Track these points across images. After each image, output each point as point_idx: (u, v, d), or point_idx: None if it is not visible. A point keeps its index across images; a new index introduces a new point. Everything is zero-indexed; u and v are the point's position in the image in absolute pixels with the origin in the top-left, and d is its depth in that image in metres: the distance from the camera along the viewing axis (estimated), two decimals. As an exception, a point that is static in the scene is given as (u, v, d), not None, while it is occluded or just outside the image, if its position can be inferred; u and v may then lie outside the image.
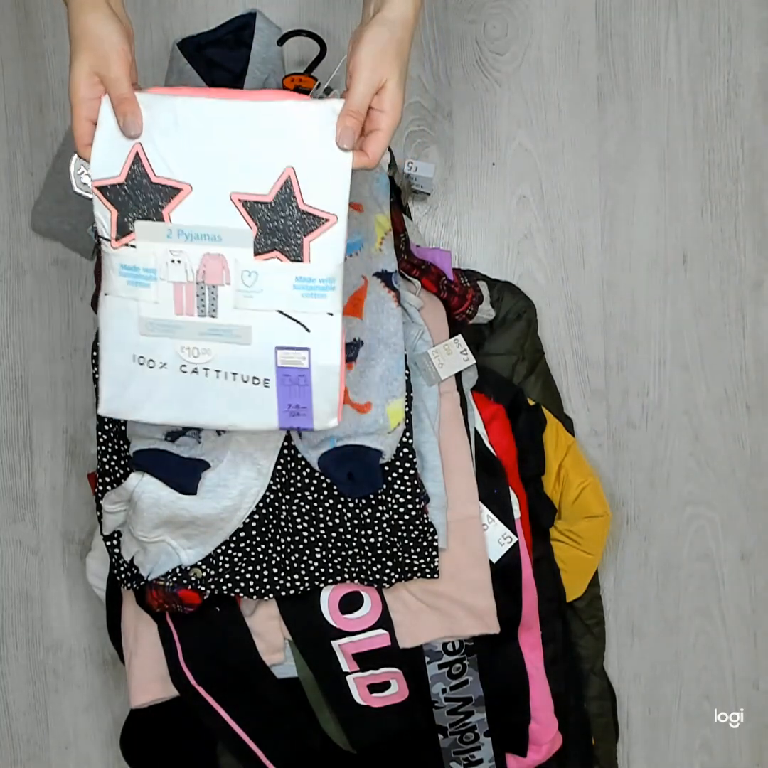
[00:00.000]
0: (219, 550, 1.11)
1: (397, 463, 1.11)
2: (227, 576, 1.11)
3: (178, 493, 1.08)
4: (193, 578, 1.10)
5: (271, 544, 1.12)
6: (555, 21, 1.35)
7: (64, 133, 1.33)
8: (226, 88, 1.25)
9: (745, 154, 1.36)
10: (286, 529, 1.12)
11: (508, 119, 1.36)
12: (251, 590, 1.12)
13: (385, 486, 1.10)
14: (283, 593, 1.12)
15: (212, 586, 1.11)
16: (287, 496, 1.11)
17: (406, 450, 1.11)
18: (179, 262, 0.89)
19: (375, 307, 1.12)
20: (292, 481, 1.11)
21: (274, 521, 1.11)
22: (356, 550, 1.12)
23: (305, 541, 1.12)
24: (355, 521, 1.11)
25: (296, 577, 1.12)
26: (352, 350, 1.10)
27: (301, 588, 1.12)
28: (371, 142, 0.90)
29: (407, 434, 1.11)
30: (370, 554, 1.12)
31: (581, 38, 1.35)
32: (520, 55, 1.35)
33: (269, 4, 1.31)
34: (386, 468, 1.10)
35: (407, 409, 1.12)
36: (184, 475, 1.08)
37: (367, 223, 1.14)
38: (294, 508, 1.11)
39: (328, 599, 1.15)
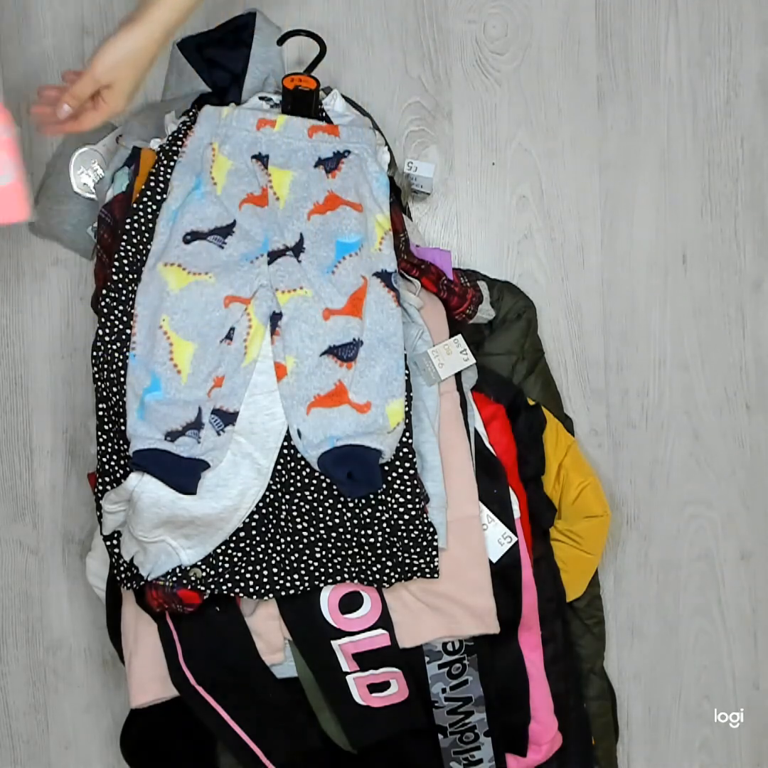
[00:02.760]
0: (219, 550, 1.11)
1: (397, 463, 1.11)
2: (227, 576, 1.11)
3: (179, 493, 1.08)
4: (192, 578, 1.10)
5: (271, 544, 1.11)
6: (555, 21, 1.35)
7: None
8: (225, 87, 1.26)
9: (745, 154, 1.36)
10: (285, 529, 1.12)
11: (508, 119, 1.36)
12: (251, 590, 1.11)
13: (385, 486, 1.10)
14: (283, 593, 1.12)
15: (212, 586, 1.11)
16: (287, 496, 1.11)
17: (406, 450, 1.11)
18: None
19: (375, 306, 1.12)
20: (291, 480, 1.11)
21: (274, 521, 1.11)
22: (356, 550, 1.12)
23: (305, 540, 1.12)
24: (355, 521, 1.11)
25: (296, 577, 1.12)
26: (351, 350, 1.10)
27: (301, 588, 1.12)
28: (89, 115, 1.05)
29: (407, 434, 1.11)
30: (369, 554, 1.12)
31: (581, 38, 1.35)
32: (520, 55, 1.35)
33: (269, 4, 1.31)
34: (386, 468, 1.10)
35: (407, 409, 1.11)
36: (184, 474, 1.08)
37: (367, 223, 1.14)
38: (294, 507, 1.11)
39: (328, 599, 1.15)
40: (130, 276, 1.13)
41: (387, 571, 1.12)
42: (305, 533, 1.12)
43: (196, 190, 1.14)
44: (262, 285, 1.12)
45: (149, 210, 1.15)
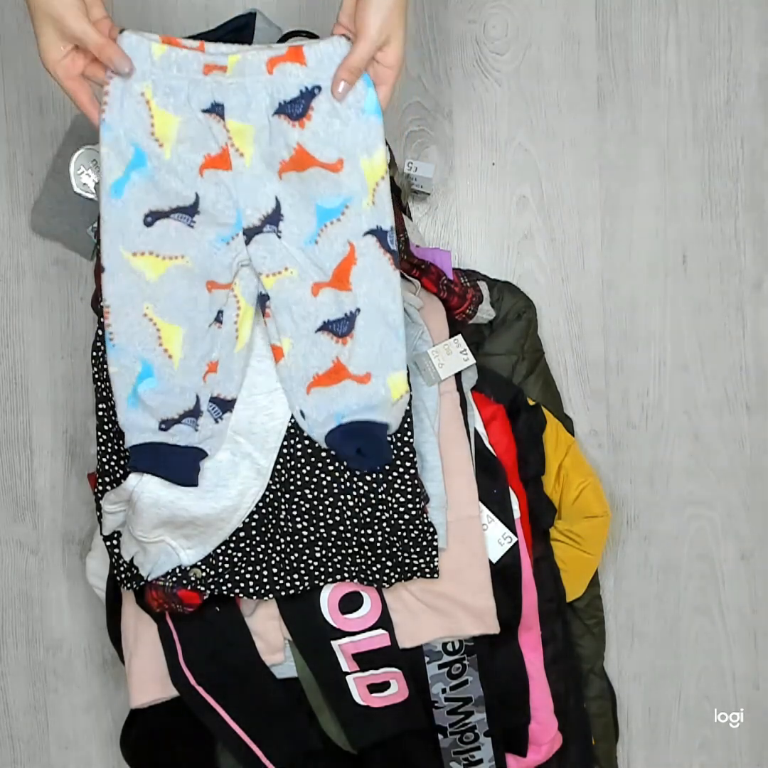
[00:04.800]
0: (219, 550, 1.11)
1: (397, 463, 1.11)
2: (227, 576, 1.11)
3: (180, 485, 1.07)
4: (192, 578, 1.10)
5: (271, 544, 1.11)
6: (555, 21, 1.35)
7: (64, 133, 1.33)
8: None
9: (745, 154, 1.36)
10: (285, 529, 1.12)
11: (508, 119, 1.36)
12: (251, 591, 1.11)
13: (385, 486, 1.10)
14: (283, 593, 1.12)
15: (212, 587, 1.11)
16: (287, 495, 1.11)
17: (406, 449, 1.11)
18: None
19: (371, 271, 1.03)
20: (291, 479, 1.11)
21: (274, 521, 1.11)
22: (356, 550, 1.12)
23: (305, 540, 1.12)
24: (355, 520, 1.11)
25: (296, 576, 1.12)
26: (345, 325, 1.05)
27: (301, 587, 1.12)
28: (377, 96, 0.97)
29: (408, 434, 1.11)
30: (369, 554, 1.12)
31: (581, 38, 1.35)
32: (520, 55, 1.35)
33: (269, 4, 1.31)
34: (387, 467, 1.10)
35: (410, 383, 1.09)
36: (182, 467, 1.07)
37: (352, 178, 1.00)
38: (293, 506, 1.11)
39: (328, 599, 1.15)
40: (130, 276, 1.13)
41: (387, 571, 1.12)
42: (305, 532, 1.12)
43: (138, 159, 0.98)
44: (243, 264, 1.04)
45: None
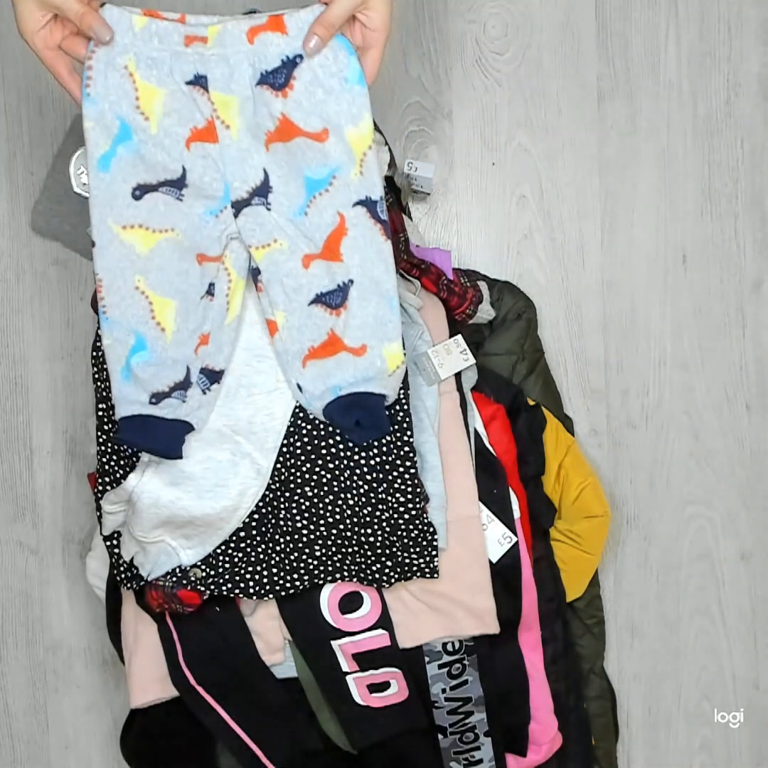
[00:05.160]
0: (219, 550, 1.11)
1: (398, 463, 1.11)
2: (227, 576, 1.11)
3: (165, 458, 1.07)
4: (192, 578, 1.10)
5: (271, 544, 1.11)
6: (555, 21, 1.35)
7: (64, 133, 1.33)
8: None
9: (745, 154, 1.36)
10: (285, 528, 1.12)
11: (508, 119, 1.36)
12: (251, 591, 1.11)
13: (385, 485, 1.10)
14: (283, 593, 1.12)
15: (212, 587, 1.11)
16: (286, 493, 1.11)
17: (406, 449, 1.11)
18: None
19: (362, 241, 1.02)
20: (291, 477, 1.11)
21: (274, 520, 1.11)
22: (356, 549, 1.12)
23: (305, 538, 1.12)
24: (355, 520, 1.11)
25: (295, 576, 1.12)
26: (338, 296, 1.04)
27: (301, 587, 1.12)
28: (367, 61, 0.95)
29: (408, 434, 1.11)
30: (369, 553, 1.12)
31: (581, 38, 1.35)
32: (520, 55, 1.35)
33: (269, 4, 1.31)
34: (386, 467, 1.10)
35: (405, 353, 1.08)
36: (169, 440, 1.07)
37: (338, 147, 0.99)
38: (293, 505, 1.11)
39: (328, 599, 1.15)
40: (130, 276, 1.13)
41: (387, 570, 1.12)
42: (305, 531, 1.12)
43: (124, 133, 0.98)
44: (233, 238, 1.03)
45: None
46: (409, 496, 1.10)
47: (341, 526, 1.11)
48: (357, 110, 0.97)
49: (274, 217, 1.02)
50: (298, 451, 1.11)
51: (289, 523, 1.12)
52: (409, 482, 1.10)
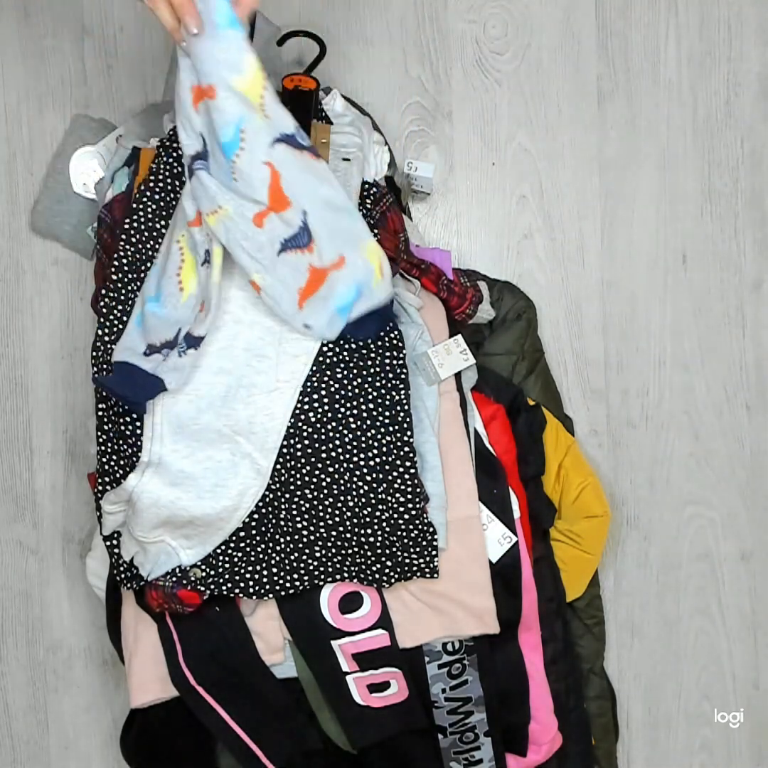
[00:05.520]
0: (219, 550, 1.11)
1: (398, 463, 1.11)
2: (227, 576, 1.11)
3: (132, 408, 1.09)
4: (192, 578, 1.10)
5: (271, 544, 1.11)
6: (555, 21, 1.35)
7: (64, 133, 1.33)
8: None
9: (745, 154, 1.36)
10: (285, 528, 1.12)
11: (508, 119, 1.36)
12: (251, 591, 1.11)
13: (385, 485, 1.10)
14: (283, 593, 1.12)
15: (212, 587, 1.11)
16: (287, 495, 1.11)
17: (406, 449, 1.11)
18: None
19: (298, 174, 1.03)
20: (291, 479, 1.11)
21: (274, 521, 1.11)
22: (356, 550, 1.12)
23: (305, 539, 1.12)
24: (355, 520, 1.11)
25: (295, 576, 1.12)
26: (303, 236, 1.05)
27: (301, 587, 1.12)
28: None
29: (408, 434, 1.11)
30: (369, 553, 1.12)
31: (581, 38, 1.35)
32: (520, 55, 1.35)
33: (269, 4, 1.31)
34: (386, 467, 1.10)
35: (379, 241, 1.09)
36: (144, 392, 1.08)
37: (229, 103, 0.97)
38: (293, 506, 1.11)
39: (328, 599, 1.15)
40: (130, 276, 1.13)
41: (387, 570, 1.12)
42: (305, 532, 1.12)
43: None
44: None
45: (149, 210, 1.15)
46: (409, 496, 1.10)
47: (341, 528, 1.11)
48: (235, 56, 0.94)
49: (215, 183, 1.03)
50: (299, 453, 1.11)
51: (290, 523, 1.12)
52: (409, 482, 1.10)
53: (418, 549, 1.12)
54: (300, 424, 1.11)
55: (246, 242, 1.05)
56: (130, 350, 1.08)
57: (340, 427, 1.11)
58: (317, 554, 1.12)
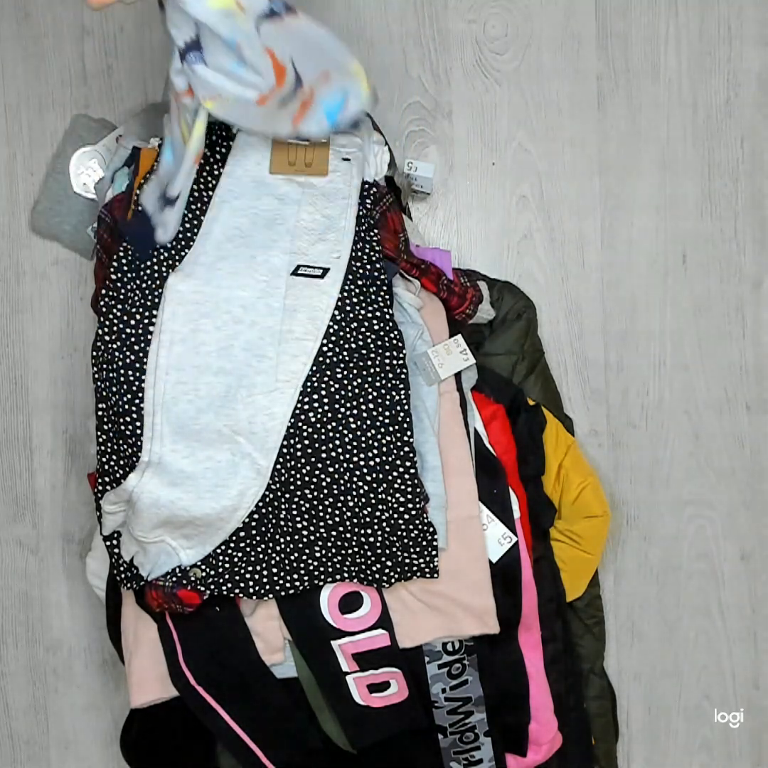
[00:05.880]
0: (219, 550, 1.11)
1: (398, 463, 1.11)
2: (227, 576, 1.11)
3: (138, 252, 1.12)
4: (192, 578, 1.10)
5: (271, 544, 1.11)
6: (555, 21, 1.35)
7: (64, 133, 1.33)
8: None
9: (745, 154, 1.36)
10: (285, 528, 1.12)
11: (508, 119, 1.36)
12: (251, 591, 1.11)
13: (385, 485, 1.10)
14: (283, 593, 1.12)
15: (212, 587, 1.11)
16: (287, 495, 1.11)
17: (406, 449, 1.11)
18: None
19: (287, 45, 1.03)
20: (291, 479, 1.11)
21: (274, 521, 1.11)
22: (356, 550, 1.12)
23: (305, 539, 1.12)
24: (355, 520, 1.11)
25: (295, 576, 1.12)
26: (298, 85, 1.06)
27: (301, 587, 1.12)
28: None
29: (408, 434, 1.11)
30: (369, 553, 1.12)
31: (581, 38, 1.35)
32: (520, 55, 1.35)
33: None
34: (386, 467, 1.10)
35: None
36: (146, 241, 1.13)
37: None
38: (293, 506, 1.11)
39: (328, 599, 1.15)
40: (130, 275, 1.13)
41: (387, 570, 1.12)
42: (305, 532, 1.12)
43: None
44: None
45: (149, 209, 1.15)
46: (409, 497, 1.10)
47: (341, 528, 1.11)
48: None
49: (212, 73, 1.02)
50: (299, 453, 1.11)
51: (289, 523, 1.12)
52: (409, 482, 1.10)
53: (418, 549, 1.12)
54: (300, 424, 1.11)
55: (246, 120, 1.06)
56: (152, 199, 1.12)
57: (340, 427, 1.12)
58: (317, 554, 1.12)
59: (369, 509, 1.11)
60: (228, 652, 1.15)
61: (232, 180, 1.15)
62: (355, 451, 1.11)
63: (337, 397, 1.12)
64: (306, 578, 1.12)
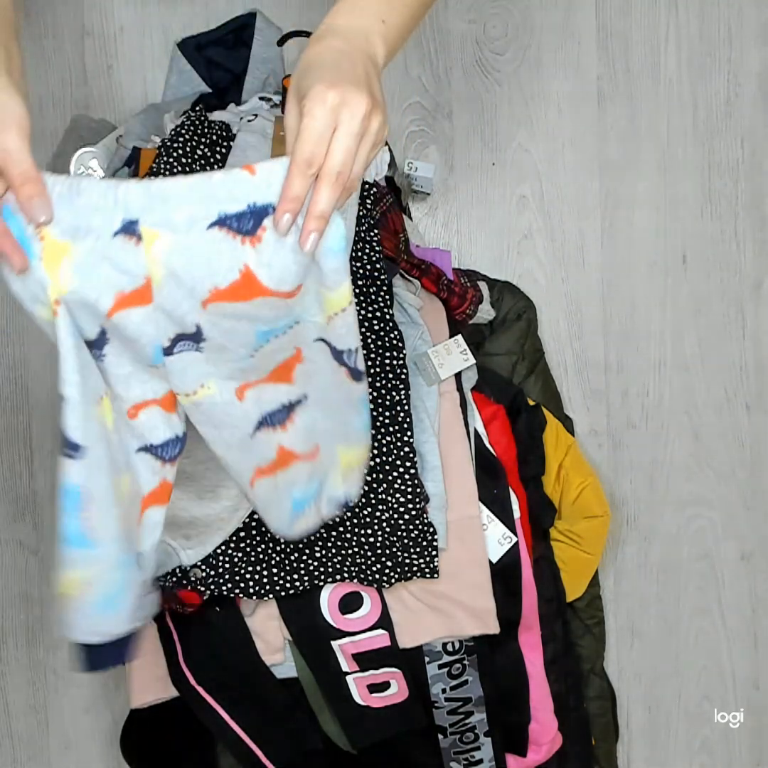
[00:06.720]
0: (219, 550, 1.11)
1: (398, 463, 1.11)
2: (227, 576, 1.11)
3: None
4: (192, 578, 1.10)
5: (271, 544, 1.11)
6: (555, 21, 1.35)
7: (64, 132, 1.33)
8: (225, 87, 1.26)
9: (745, 154, 1.36)
10: (286, 529, 1.12)
11: (508, 119, 1.36)
12: (251, 591, 1.11)
13: (385, 485, 1.10)
14: (283, 593, 1.12)
15: (212, 587, 1.11)
16: (287, 496, 1.11)
17: (406, 449, 1.11)
18: None
19: (318, 368, 0.85)
20: (292, 481, 1.11)
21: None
22: (356, 550, 1.12)
23: (305, 540, 1.12)
24: (355, 520, 1.11)
25: (296, 576, 1.12)
26: (283, 414, 0.88)
27: (301, 588, 1.12)
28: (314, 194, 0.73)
29: (408, 434, 1.11)
30: (369, 554, 1.12)
31: (581, 38, 1.35)
32: (520, 55, 1.35)
33: (269, 4, 1.31)
34: (387, 467, 1.10)
35: (370, 458, 1.01)
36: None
37: (303, 301, 0.80)
38: (294, 508, 1.11)
39: (328, 599, 1.15)
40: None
41: (387, 571, 1.12)
42: (305, 533, 1.12)
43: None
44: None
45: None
46: (409, 497, 1.10)
47: (341, 528, 1.11)
48: (335, 278, 0.78)
49: (204, 361, 0.82)
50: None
51: (289, 523, 1.12)
52: (409, 482, 1.10)
53: (418, 549, 1.12)
54: (300, 424, 1.11)
55: (221, 420, 0.86)
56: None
57: (341, 428, 1.11)
58: (317, 554, 1.12)
59: (369, 509, 1.11)
60: (228, 652, 1.15)
61: None
62: (355, 452, 1.11)
63: (337, 397, 1.11)
64: (306, 578, 1.12)
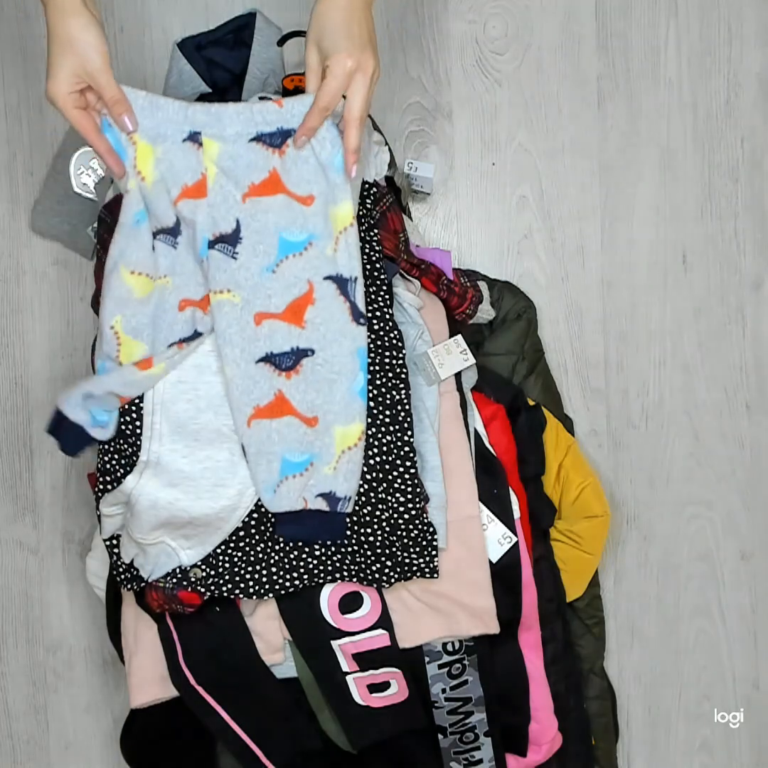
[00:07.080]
0: (218, 550, 1.11)
1: (398, 463, 1.11)
2: (227, 576, 1.11)
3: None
4: (192, 579, 1.10)
5: (270, 543, 1.11)
6: (555, 21, 1.35)
7: (64, 133, 1.33)
8: (225, 87, 1.26)
9: (745, 154, 1.36)
10: (285, 529, 1.12)
11: (508, 119, 1.36)
12: (251, 591, 1.11)
13: (385, 485, 1.10)
14: (283, 592, 1.12)
15: (212, 587, 1.11)
16: (287, 496, 1.11)
17: (406, 449, 1.11)
18: None
19: (328, 317, 1.07)
20: (291, 480, 1.11)
21: (273, 520, 1.11)
22: (356, 549, 1.12)
23: (305, 540, 1.12)
24: (355, 519, 1.11)
25: (295, 575, 1.12)
26: (289, 359, 1.07)
27: (301, 586, 1.12)
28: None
29: (408, 434, 1.11)
30: (369, 553, 1.12)
31: (581, 38, 1.35)
32: (520, 55, 1.35)
33: (269, 4, 1.31)
34: (387, 467, 1.10)
35: (362, 438, 1.07)
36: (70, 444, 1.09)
37: (319, 218, 1.05)
38: (294, 507, 1.11)
39: (328, 599, 1.15)
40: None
41: (386, 570, 1.12)
42: (305, 533, 1.12)
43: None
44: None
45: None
46: (409, 496, 1.10)
47: (341, 526, 1.11)
48: (340, 194, 1.04)
49: (240, 265, 1.05)
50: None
51: (289, 523, 1.12)
52: (409, 482, 1.10)
53: (418, 549, 1.12)
54: (300, 424, 1.11)
55: (235, 333, 1.06)
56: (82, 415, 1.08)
57: (340, 428, 1.12)
58: (317, 553, 1.12)
59: (369, 508, 1.11)
60: (228, 652, 1.15)
61: None
62: (354, 452, 1.11)
63: (337, 397, 1.12)
64: (305, 577, 1.12)
